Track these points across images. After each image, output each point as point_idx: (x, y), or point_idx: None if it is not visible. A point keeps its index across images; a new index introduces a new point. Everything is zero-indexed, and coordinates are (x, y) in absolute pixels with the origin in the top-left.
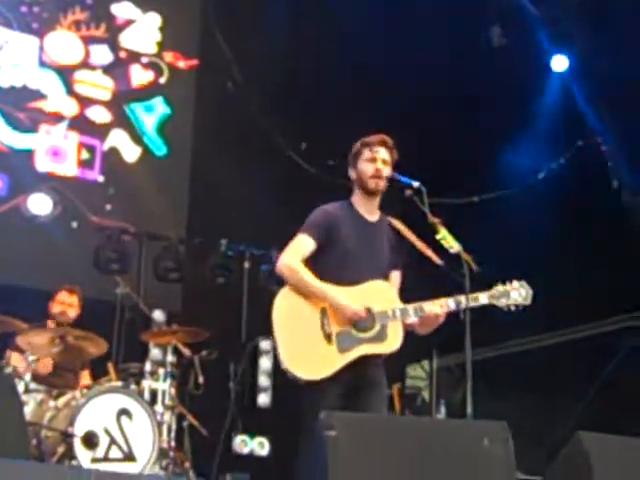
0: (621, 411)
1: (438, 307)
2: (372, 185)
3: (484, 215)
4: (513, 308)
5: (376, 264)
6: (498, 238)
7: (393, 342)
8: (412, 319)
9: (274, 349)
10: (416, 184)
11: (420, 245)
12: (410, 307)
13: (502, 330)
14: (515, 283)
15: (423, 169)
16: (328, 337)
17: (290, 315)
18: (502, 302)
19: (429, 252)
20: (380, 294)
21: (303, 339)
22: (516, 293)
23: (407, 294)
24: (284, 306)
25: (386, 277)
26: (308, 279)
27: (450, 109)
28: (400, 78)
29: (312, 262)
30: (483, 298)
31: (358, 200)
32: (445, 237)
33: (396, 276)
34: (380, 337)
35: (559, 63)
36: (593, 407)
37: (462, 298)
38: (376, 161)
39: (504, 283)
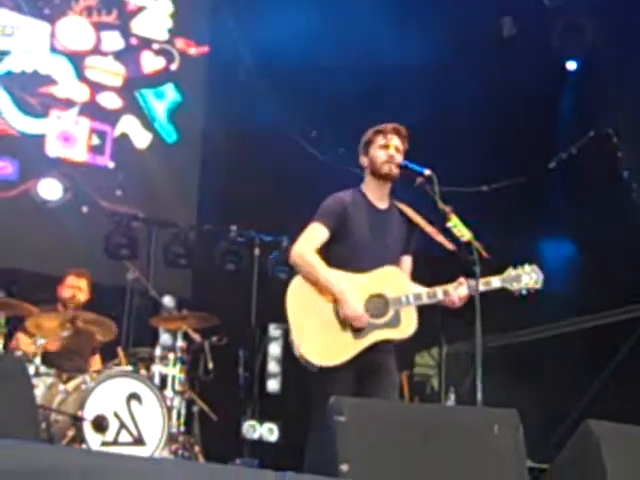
0: (630, 400)
1: (452, 291)
2: (385, 170)
3: (494, 204)
4: (525, 292)
5: (387, 251)
6: (507, 227)
7: (407, 327)
8: (425, 303)
9: (285, 336)
10: (427, 172)
11: (431, 230)
12: (424, 292)
13: (512, 318)
14: (527, 267)
15: (432, 157)
16: (343, 324)
17: (304, 303)
18: (514, 286)
19: (440, 238)
20: (392, 280)
21: (318, 326)
22: (527, 277)
23: (416, 280)
24: (298, 294)
25: (397, 263)
26: (318, 270)
27: (460, 98)
28: (411, 66)
29: (325, 249)
30: (496, 282)
31: (369, 187)
32: (456, 225)
33: (407, 261)
34: (394, 323)
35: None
36: (602, 396)
37: (475, 282)
38: (389, 147)
39: (515, 267)
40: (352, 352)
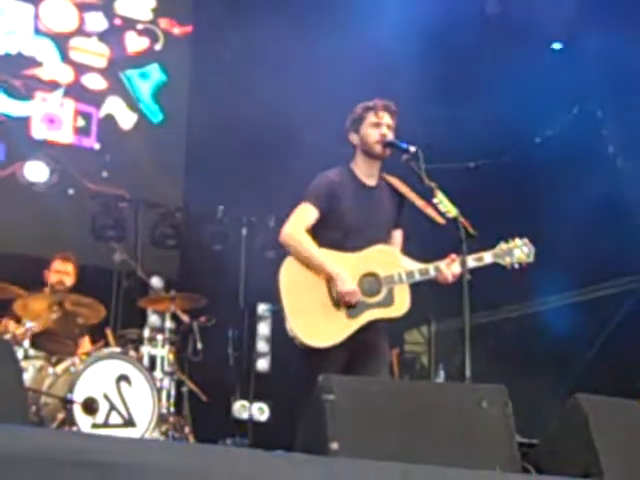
0: (619, 374)
1: (444, 268)
2: (378, 150)
3: (480, 181)
4: (517, 266)
5: (378, 228)
6: (494, 204)
7: (401, 305)
8: (418, 280)
9: (274, 315)
10: (413, 149)
11: (421, 204)
12: (416, 270)
13: (500, 294)
14: (518, 241)
15: (419, 134)
16: (336, 303)
17: (297, 283)
18: (506, 260)
19: (430, 211)
20: (384, 258)
21: (312, 306)
22: (519, 251)
23: (407, 253)
24: (290, 275)
25: (388, 239)
26: (310, 250)
27: (445, 76)
28: (398, 46)
29: (316, 230)
30: (488, 257)
31: (359, 165)
32: (442, 201)
33: (398, 235)
34: (388, 301)
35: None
36: (591, 370)
37: (467, 259)
38: (381, 126)
39: (507, 241)
40: (346, 332)
